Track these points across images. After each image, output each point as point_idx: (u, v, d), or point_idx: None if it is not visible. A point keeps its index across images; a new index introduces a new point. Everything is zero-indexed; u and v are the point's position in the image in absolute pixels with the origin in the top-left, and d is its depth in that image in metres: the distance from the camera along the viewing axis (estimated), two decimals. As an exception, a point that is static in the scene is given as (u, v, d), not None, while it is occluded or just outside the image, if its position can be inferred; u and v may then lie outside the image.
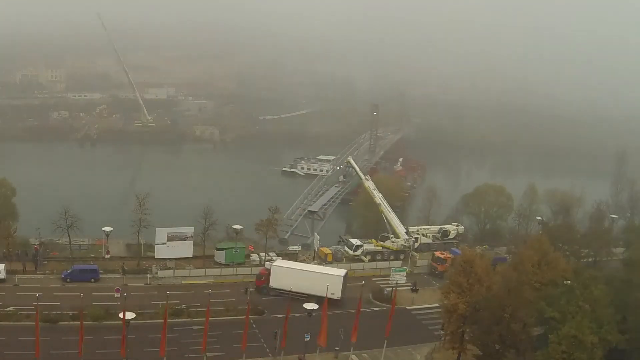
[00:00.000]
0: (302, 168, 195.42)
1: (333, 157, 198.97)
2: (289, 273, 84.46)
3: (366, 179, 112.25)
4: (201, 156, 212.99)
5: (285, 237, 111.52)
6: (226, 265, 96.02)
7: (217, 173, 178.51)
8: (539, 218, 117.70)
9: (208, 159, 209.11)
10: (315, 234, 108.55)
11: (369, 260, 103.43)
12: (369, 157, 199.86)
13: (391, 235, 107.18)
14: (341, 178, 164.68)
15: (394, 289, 78.48)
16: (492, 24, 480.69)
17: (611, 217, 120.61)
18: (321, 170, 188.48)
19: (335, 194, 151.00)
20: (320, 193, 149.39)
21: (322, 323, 64.76)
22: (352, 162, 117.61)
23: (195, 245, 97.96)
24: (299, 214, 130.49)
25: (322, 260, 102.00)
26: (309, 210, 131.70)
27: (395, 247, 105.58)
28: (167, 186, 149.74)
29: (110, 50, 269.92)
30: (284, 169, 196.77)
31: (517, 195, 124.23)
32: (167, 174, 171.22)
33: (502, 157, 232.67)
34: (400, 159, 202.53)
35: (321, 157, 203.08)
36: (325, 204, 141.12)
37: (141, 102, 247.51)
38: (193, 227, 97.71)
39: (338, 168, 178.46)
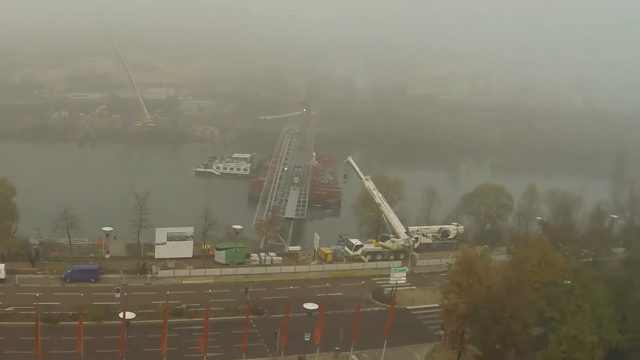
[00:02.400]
0: (218, 168, 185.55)
1: (249, 155, 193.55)
2: None
3: (366, 179, 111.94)
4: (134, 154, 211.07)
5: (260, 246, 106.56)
6: (226, 265, 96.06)
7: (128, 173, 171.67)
8: (539, 218, 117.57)
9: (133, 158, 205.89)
10: (315, 234, 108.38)
11: (369, 260, 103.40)
12: (305, 155, 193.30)
13: (391, 235, 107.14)
14: (296, 180, 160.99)
15: (394, 288, 78.48)
16: (491, 24, 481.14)
17: (611, 217, 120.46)
18: (238, 169, 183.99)
19: (299, 196, 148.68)
20: (281, 197, 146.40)
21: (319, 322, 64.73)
22: (352, 162, 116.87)
23: (195, 245, 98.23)
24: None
25: (322, 260, 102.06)
26: (286, 218, 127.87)
27: (395, 247, 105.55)
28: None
29: (110, 50, 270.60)
30: (198, 169, 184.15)
31: (517, 195, 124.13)
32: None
33: (501, 157, 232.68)
34: (314, 153, 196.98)
35: (236, 155, 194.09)
36: (297, 209, 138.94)
37: (142, 101, 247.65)
38: (193, 227, 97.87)
39: (285, 169, 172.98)
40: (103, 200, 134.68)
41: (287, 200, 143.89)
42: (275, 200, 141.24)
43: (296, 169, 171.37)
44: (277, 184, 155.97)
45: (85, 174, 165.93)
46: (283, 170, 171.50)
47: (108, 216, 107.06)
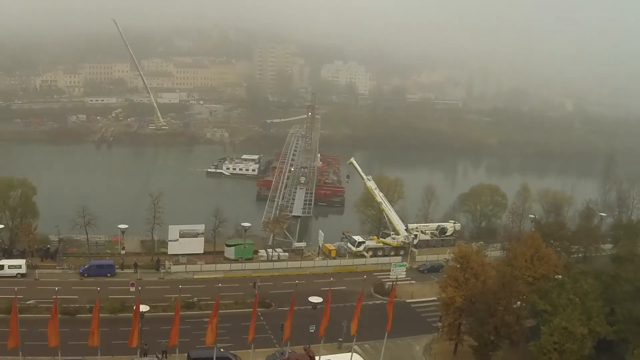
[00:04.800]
0: (228, 168, 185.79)
1: (257, 156, 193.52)
2: None
3: (368, 179, 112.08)
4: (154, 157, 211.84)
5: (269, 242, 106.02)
6: (235, 260, 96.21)
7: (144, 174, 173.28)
8: (532, 216, 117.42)
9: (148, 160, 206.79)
10: (320, 231, 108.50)
11: (371, 256, 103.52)
12: (311, 156, 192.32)
13: (392, 232, 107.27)
14: (302, 180, 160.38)
15: (394, 283, 78.52)
16: (487, 28, 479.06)
17: (600, 215, 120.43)
18: (247, 170, 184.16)
19: (305, 196, 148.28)
20: (288, 196, 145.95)
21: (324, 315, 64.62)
22: (355, 163, 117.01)
23: (205, 241, 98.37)
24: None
25: (327, 255, 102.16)
26: (293, 216, 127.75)
27: (395, 243, 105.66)
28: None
29: (125, 57, 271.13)
30: (209, 170, 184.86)
31: (511, 195, 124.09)
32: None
33: (496, 158, 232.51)
34: (319, 155, 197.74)
35: (245, 156, 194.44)
36: (303, 207, 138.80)
37: (155, 105, 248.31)
38: (204, 225, 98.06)
39: (292, 169, 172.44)
40: (119, 199, 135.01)
41: (294, 199, 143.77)
42: (282, 199, 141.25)
43: (302, 169, 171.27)
44: (284, 184, 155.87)
45: (102, 174, 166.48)
46: (290, 170, 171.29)
47: (123, 214, 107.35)
